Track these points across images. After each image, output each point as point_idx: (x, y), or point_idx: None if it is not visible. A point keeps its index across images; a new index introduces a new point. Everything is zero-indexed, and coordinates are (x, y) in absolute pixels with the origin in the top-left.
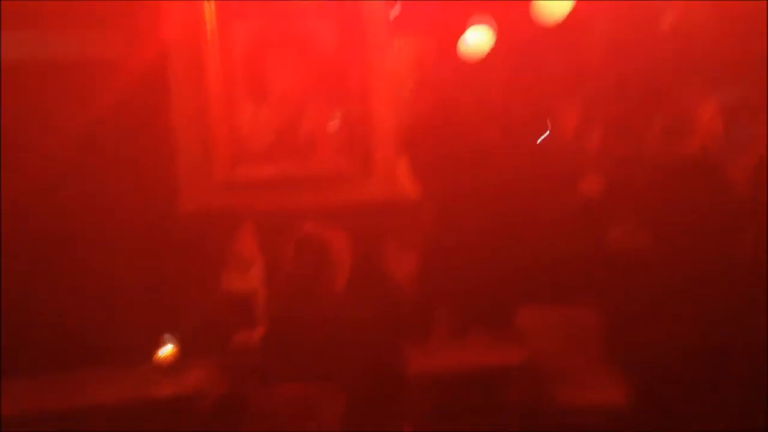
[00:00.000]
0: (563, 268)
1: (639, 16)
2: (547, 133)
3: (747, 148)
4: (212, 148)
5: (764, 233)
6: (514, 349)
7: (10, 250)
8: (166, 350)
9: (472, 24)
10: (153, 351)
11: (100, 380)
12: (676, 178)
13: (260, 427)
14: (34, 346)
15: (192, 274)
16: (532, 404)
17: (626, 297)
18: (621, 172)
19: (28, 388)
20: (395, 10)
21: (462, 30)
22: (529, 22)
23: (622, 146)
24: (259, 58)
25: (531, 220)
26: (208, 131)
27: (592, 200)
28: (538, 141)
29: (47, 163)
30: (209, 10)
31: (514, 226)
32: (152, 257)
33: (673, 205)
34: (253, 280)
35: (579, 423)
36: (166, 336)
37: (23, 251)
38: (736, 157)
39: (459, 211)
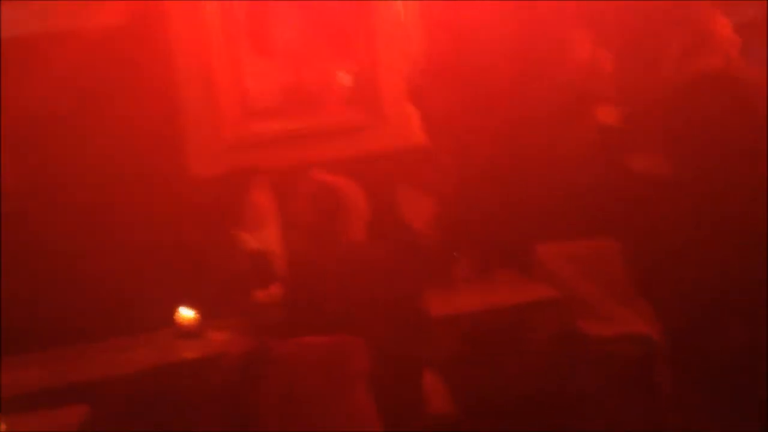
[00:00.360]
0: (585, 200)
1: None
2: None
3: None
4: (219, 107)
5: None
6: (539, 286)
7: (26, 223)
8: (187, 314)
9: None
10: (174, 315)
11: (122, 349)
12: (697, 99)
13: (285, 382)
14: (53, 319)
15: (208, 236)
16: (558, 340)
17: (650, 225)
18: (639, 97)
19: (51, 361)
20: None
21: None
22: None
23: (639, 70)
24: (262, 11)
25: (549, 155)
26: (214, 90)
27: (611, 128)
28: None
29: (53, 133)
30: None
31: (533, 162)
32: (167, 222)
33: (695, 127)
34: (270, 237)
35: (607, 355)
36: (187, 299)
37: (40, 224)
38: (759, 73)
39: (475, 151)
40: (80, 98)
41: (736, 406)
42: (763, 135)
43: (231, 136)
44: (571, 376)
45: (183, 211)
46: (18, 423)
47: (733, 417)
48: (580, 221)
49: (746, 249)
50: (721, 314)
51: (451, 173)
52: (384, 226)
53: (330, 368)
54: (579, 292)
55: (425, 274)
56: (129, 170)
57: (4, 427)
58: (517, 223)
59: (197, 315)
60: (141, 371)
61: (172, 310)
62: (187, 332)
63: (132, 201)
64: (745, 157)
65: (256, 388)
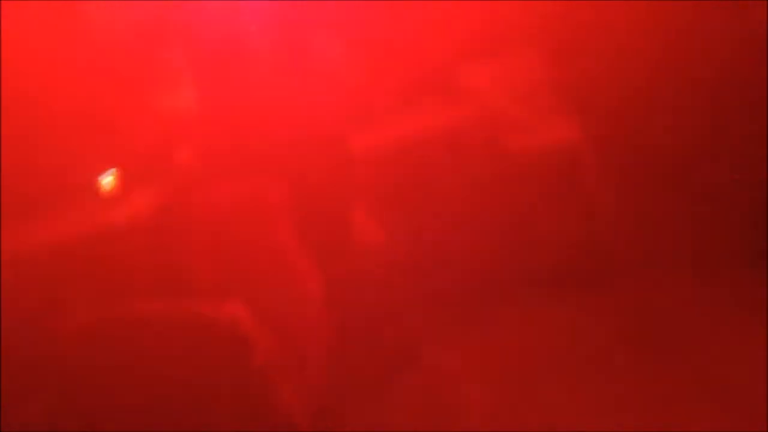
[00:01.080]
0: (504, 16)
1: None
2: None
3: None
4: None
5: None
6: (463, 108)
7: None
8: (108, 180)
9: None
10: (95, 184)
11: (43, 219)
12: None
13: (210, 231)
14: None
15: (122, 101)
16: (487, 158)
17: (571, 35)
18: None
19: None
20: None
21: None
22: None
23: None
24: None
25: None
26: None
27: None
28: None
29: None
30: None
31: None
32: (77, 94)
33: None
34: (185, 94)
35: (537, 166)
36: (107, 165)
37: None
38: None
39: None
40: None
41: (665, 205)
42: None
43: None
44: (500, 192)
45: (93, 80)
46: None
47: (661, 218)
48: (501, 38)
49: (673, 46)
50: (648, 115)
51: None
52: (298, 68)
53: (251, 211)
54: (502, 108)
55: (345, 111)
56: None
57: None
58: (438, 45)
59: (118, 179)
60: (68, 241)
61: (92, 177)
62: (110, 197)
63: (37, 79)
64: None
65: (183, 242)
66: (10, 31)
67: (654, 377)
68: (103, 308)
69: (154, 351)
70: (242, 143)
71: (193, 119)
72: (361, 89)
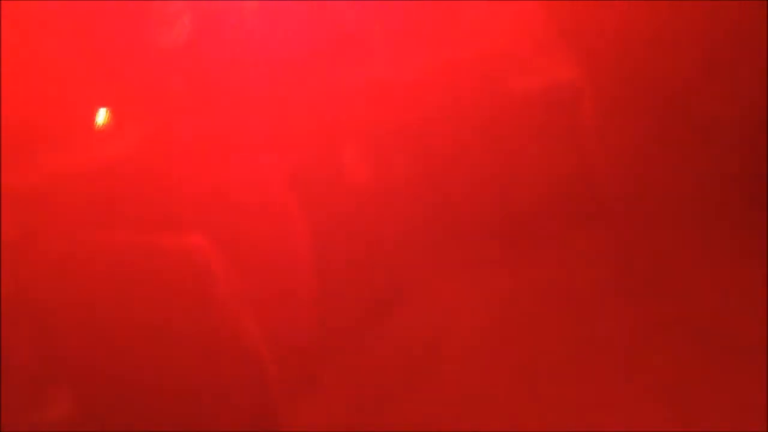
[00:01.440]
0: None
1: None
2: None
3: None
4: None
5: None
6: (461, 47)
7: None
8: (104, 118)
9: None
10: (92, 123)
11: (45, 158)
12: None
13: (194, 166)
14: None
15: (119, 37)
16: (486, 96)
17: None
18: None
19: None
20: None
21: None
22: None
23: None
24: None
25: None
26: None
27: None
28: None
29: None
30: None
31: None
32: (76, 30)
33: None
34: (176, 28)
35: (536, 106)
36: (103, 107)
37: None
38: None
39: None
40: None
41: (664, 145)
42: None
43: None
44: (496, 132)
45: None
46: None
47: (660, 158)
48: None
49: None
50: (650, 52)
51: None
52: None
53: (239, 147)
54: (501, 46)
55: (340, 47)
56: None
57: None
58: None
59: (113, 118)
60: (65, 178)
61: (90, 118)
62: (98, 132)
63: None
64: None
65: (168, 176)
66: None
67: (648, 322)
68: (77, 240)
69: (123, 283)
70: (232, 78)
71: (183, 52)
72: (356, 25)
